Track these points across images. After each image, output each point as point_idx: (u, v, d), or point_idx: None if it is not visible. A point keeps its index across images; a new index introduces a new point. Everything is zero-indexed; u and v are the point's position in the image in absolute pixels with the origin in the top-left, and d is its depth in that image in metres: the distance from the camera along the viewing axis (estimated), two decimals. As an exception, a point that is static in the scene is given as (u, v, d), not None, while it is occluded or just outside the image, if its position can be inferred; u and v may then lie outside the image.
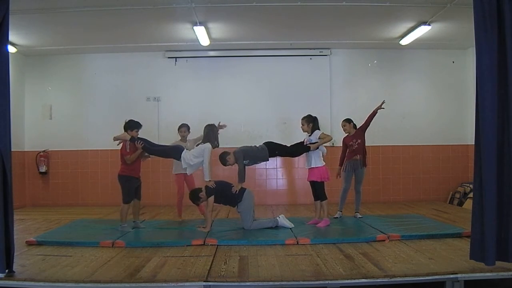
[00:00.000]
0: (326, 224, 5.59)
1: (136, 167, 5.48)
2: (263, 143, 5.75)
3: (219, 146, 5.69)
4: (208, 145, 5.45)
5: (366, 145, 6.33)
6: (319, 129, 5.76)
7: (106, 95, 8.43)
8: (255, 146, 5.75)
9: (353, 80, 8.54)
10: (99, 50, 8.26)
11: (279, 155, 6.02)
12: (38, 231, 5.59)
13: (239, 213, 5.51)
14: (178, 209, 6.22)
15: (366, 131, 6.27)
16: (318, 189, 5.70)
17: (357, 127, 6.38)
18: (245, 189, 5.51)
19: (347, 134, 6.38)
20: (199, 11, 6.14)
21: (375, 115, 6.17)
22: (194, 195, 5.43)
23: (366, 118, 6.20)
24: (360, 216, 6.27)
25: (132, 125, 5.51)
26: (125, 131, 5.50)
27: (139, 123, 5.58)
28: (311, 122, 5.73)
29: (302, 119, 5.80)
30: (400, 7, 6.08)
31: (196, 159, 5.41)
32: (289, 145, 5.81)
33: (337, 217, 6.24)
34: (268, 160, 5.78)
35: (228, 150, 5.65)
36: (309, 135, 5.75)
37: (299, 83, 8.41)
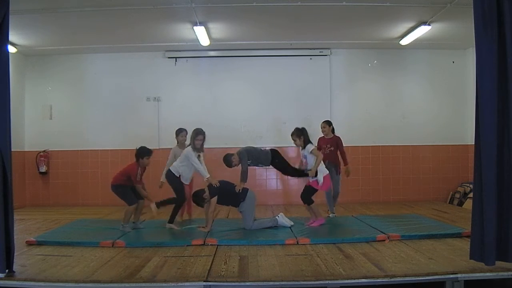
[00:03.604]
0: (320, 223, 5.61)
1: (129, 181, 5.46)
2: (269, 149, 5.78)
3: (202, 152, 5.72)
4: (187, 149, 5.52)
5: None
6: (310, 142, 5.67)
7: (106, 95, 8.43)
8: (260, 148, 5.77)
9: (353, 80, 8.55)
10: (99, 50, 8.26)
11: (276, 166, 5.86)
12: (38, 231, 5.59)
13: (241, 213, 5.50)
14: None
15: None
16: (306, 193, 5.59)
17: (335, 133, 6.51)
18: (248, 189, 5.51)
19: (323, 136, 6.48)
20: (199, 11, 6.15)
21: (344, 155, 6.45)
22: (198, 197, 5.41)
23: (343, 151, 6.44)
24: (334, 215, 6.35)
25: (142, 153, 5.43)
26: (136, 158, 5.43)
27: (149, 150, 5.47)
28: (301, 135, 5.60)
29: (292, 134, 5.66)
30: (400, 7, 6.08)
31: (183, 166, 5.51)
32: (291, 166, 5.80)
33: (331, 217, 6.31)
34: (269, 165, 5.76)
35: (230, 152, 5.66)
36: (302, 149, 5.65)
37: (299, 83, 8.42)
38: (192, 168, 5.57)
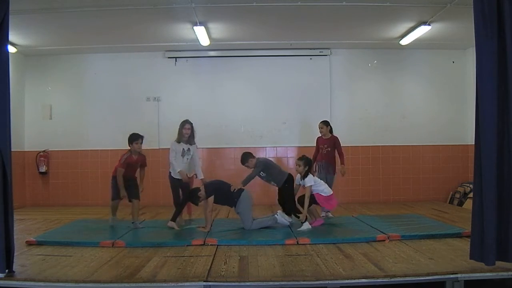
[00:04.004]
0: (319, 224, 5.61)
1: (126, 174, 5.54)
2: (288, 173, 5.81)
3: (194, 143, 5.84)
4: (171, 142, 5.70)
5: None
6: (312, 174, 5.67)
7: (106, 95, 8.43)
8: (281, 168, 5.91)
9: (353, 80, 8.55)
10: (99, 50, 8.26)
11: (281, 190, 5.86)
12: (38, 231, 5.59)
13: (238, 214, 5.51)
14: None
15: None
16: (303, 201, 5.52)
17: (333, 133, 6.53)
18: (243, 189, 5.53)
19: (321, 135, 6.51)
20: (199, 11, 6.14)
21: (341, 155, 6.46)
22: (193, 195, 5.43)
23: (341, 152, 6.44)
24: (332, 216, 6.32)
25: (132, 138, 5.56)
26: (128, 144, 5.56)
27: (139, 135, 5.60)
28: (307, 165, 5.58)
29: (299, 159, 5.62)
30: (400, 7, 6.08)
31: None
32: (294, 199, 5.75)
33: (325, 216, 6.28)
34: (279, 186, 5.77)
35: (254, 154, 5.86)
36: (301, 179, 5.59)
37: (299, 83, 8.41)
38: (183, 161, 5.64)
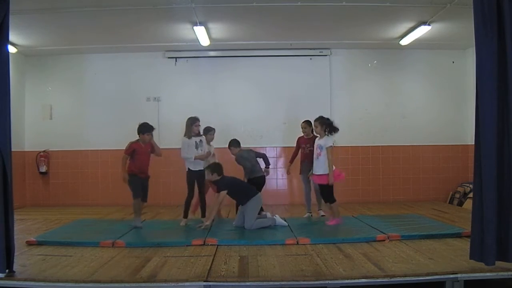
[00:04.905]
0: (337, 223, 5.64)
1: (139, 166, 5.56)
2: (263, 174, 6.29)
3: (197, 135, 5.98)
4: (182, 139, 5.85)
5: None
6: (331, 134, 5.69)
7: (106, 95, 8.42)
8: (259, 164, 6.32)
9: (353, 80, 8.54)
10: (100, 50, 8.26)
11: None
12: (38, 231, 5.59)
13: (244, 212, 5.55)
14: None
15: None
16: (325, 192, 5.65)
17: (314, 133, 6.49)
18: (258, 192, 5.70)
19: (303, 135, 6.52)
20: (199, 11, 6.14)
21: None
22: (214, 168, 5.46)
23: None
24: (323, 214, 6.35)
25: (143, 129, 5.58)
26: (138, 134, 5.59)
27: (151, 127, 5.62)
28: (324, 124, 5.66)
29: (316, 120, 5.73)
30: (400, 7, 6.08)
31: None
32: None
33: (306, 217, 6.36)
34: (249, 177, 6.12)
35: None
36: (326, 135, 5.67)
37: (299, 83, 8.41)
38: (197, 153, 5.79)
